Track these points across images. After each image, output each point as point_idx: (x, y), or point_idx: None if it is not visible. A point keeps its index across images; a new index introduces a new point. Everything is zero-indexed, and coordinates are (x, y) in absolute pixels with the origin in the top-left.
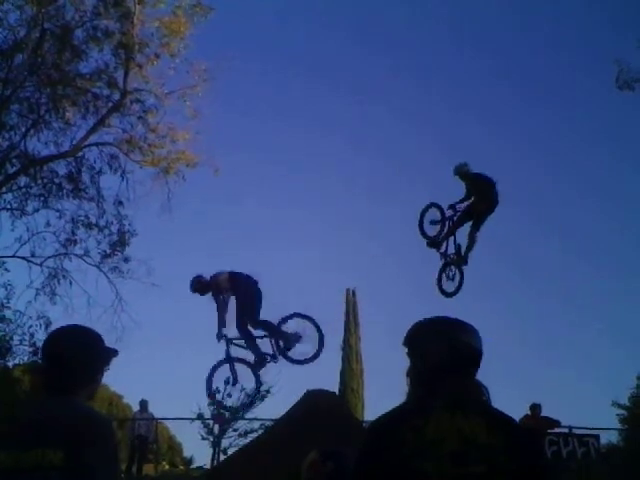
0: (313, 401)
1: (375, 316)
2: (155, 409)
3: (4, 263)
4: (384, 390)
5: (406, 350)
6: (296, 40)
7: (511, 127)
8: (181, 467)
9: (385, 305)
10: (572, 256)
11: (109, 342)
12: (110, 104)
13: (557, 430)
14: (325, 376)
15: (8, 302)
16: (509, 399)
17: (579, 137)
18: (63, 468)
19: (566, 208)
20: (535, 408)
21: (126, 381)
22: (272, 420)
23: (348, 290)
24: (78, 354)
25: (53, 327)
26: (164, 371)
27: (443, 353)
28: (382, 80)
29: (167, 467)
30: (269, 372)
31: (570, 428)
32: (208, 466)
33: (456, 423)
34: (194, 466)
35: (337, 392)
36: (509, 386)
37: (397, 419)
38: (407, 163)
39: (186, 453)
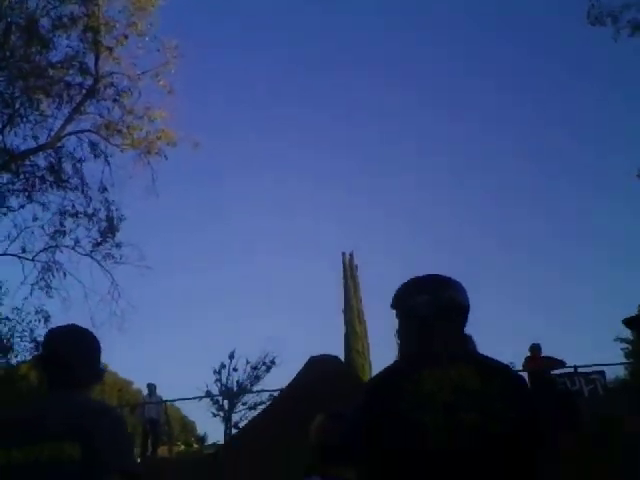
0: (317, 367)
1: (374, 277)
2: (165, 391)
3: None
4: (390, 349)
5: (394, 311)
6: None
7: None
8: (195, 446)
9: (383, 266)
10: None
11: (110, 330)
12: (84, 91)
13: (562, 370)
14: (329, 341)
15: (1, 300)
16: (507, 347)
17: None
18: (81, 461)
19: None
20: (535, 349)
21: (134, 367)
22: (280, 390)
23: (344, 254)
24: (76, 351)
25: (52, 321)
26: (169, 353)
27: (428, 308)
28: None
29: (182, 447)
30: (272, 342)
31: (575, 367)
32: (222, 442)
33: (448, 374)
34: (208, 443)
35: (342, 355)
36: (505, 334)
37: (392, 376)
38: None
39: (199, 431)
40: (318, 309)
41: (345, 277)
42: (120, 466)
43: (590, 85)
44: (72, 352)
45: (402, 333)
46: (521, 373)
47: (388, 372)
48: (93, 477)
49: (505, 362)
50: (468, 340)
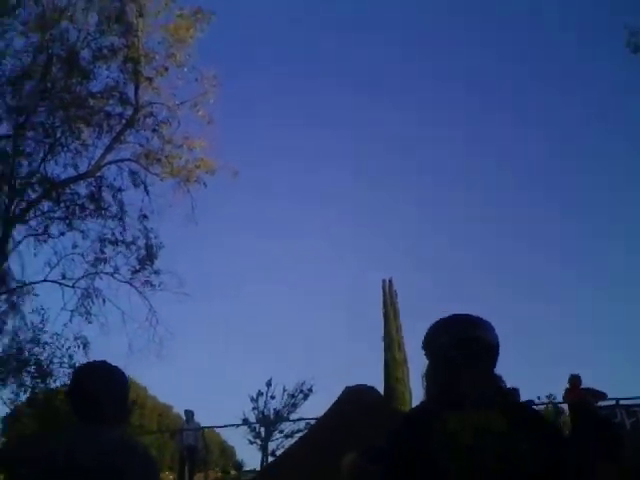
0: (353, 397)
1: (413, 305)
2: (203, 417)
3: (33, 289)
4: None
5: (423, 352)
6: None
7: None
8: (233, 472)
9: (422, 293)
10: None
11: (148, 356)
12: (124, 121)
13: (603, 403)
14: (368, 369)
15: (43, 326)
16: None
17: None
18: None
19: None
20: (574, 379)
21: (173, 391)
22: (317, 419)
23: (384, 281)
24: (104, 388)
25: (91, 347)
26: (207, 379)
27: (455, 350)
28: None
29: (219, 474)
30: (310, 370)
31: (617, 400)
32: (259, 469)
33: (473, 418)
34: (246, 469)
35: (382, 383)
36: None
37: (421, 416)
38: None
39: (239, 456)
40: (358, 336)
41: (385, 304)
42: None
43: None
44: (100, 388)
45: (429, 374)
46: (561, 405)
47: (417, 412)
48: None
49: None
50: (498, 380)
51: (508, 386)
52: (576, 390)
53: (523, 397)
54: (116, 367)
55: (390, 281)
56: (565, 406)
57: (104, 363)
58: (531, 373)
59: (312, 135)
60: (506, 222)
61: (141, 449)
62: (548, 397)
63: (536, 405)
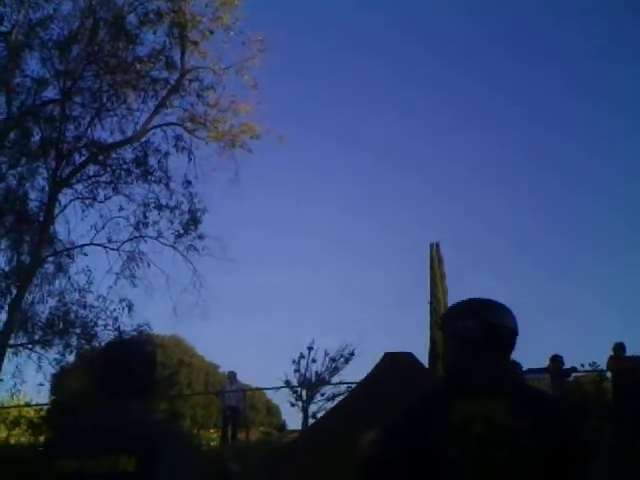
0: (391, 363)
1: (460, 269)
2: (248, 377)
3: (82, 250)
4: None
5: (442, 335)
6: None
7: None
8: (275, 432)
9: (470, 258)
10: None
11: (193, 319)
12: (169, 85)
13: None
14: (414, 332)
15: (89, 288)
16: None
17: None
18: (135, 474)
19: None
20: (619, 348)
21: (219, 352)
22: (357, 383)
23: (432, 245)
24: (135, 361)
25: (135, 309)
26: (251, 340)
27: (474, 334)
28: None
29: (261, 433)
30: (353, 332)
31: None
32: (299, 430)
33: (483, 406)
34: (289, 429)
35: (427, 347)
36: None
37: (426, 404)
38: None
39: (284, 416)
40: (403, 301)
41: (432, 268)
42: None
43: None
44: (131, 361)
45: (447, 357)
46: (604, 372)
47: (425, 399)
48: None
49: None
50: (515, 367)
51: (511, 360)
52: (621, 359)
53: (567, 364)
54: (145, 342)
55: (437, 245)
56: (608, 374)
57: (133, 338)
58: (576, 341)
59: (359, 105)
60: (569, 185)
61: (169, 426)
62: (591, 365)
63: (579, 372)
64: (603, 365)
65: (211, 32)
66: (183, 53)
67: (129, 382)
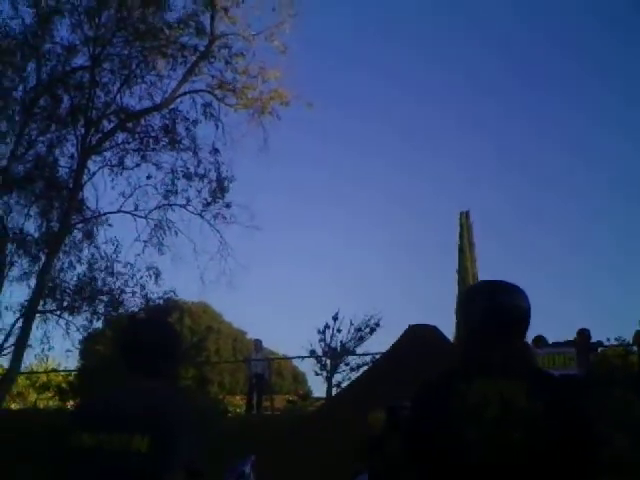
0: (415, 336)
1: (490, 239)
2: (274, 344)
3: (107, 220)
4: None
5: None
6: None
7: None
8: (298, 401)
9: (497, 228)
10: None
11: (220, 287)
12: (198, 52)
13: None
14: (441, 301)
15: (117, 256)
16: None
17: None
18: (148, 454)
19: None
20: None
21: (247, 319)
22: (382, 354)
23: (462, 213)
24: (158, 340)
25: (163, 276)
26: (278, 308)
27: (486, 315)
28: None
29: (286, 401)
30: (378, 304)
31: None
32: (324, 400)
33: (498, 387)
34: (314, 396)
35: (454, 317)
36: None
37: (442, 384)
38: None
39: (310, 383)
40: (431, 270)
41: (461, 236)
42: (186, 464)
43: None
44: (154, 340)
45: (461, 338)
46: (633, 348)
47: (440, 378)
48: (158, 470)
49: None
50: (527, 349)
51: (536, 335)
52: None
53: (593, 338)
54: (168, 322)
55: (467, 214)
56: (634, 348)
57: (157, 317)
58: (601, 316)
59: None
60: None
61: (185, 408)
62: (617, 339)
63: (604, 346)
64: (629, 339)
65: None
66: (213, 19)
67: (150, 363)
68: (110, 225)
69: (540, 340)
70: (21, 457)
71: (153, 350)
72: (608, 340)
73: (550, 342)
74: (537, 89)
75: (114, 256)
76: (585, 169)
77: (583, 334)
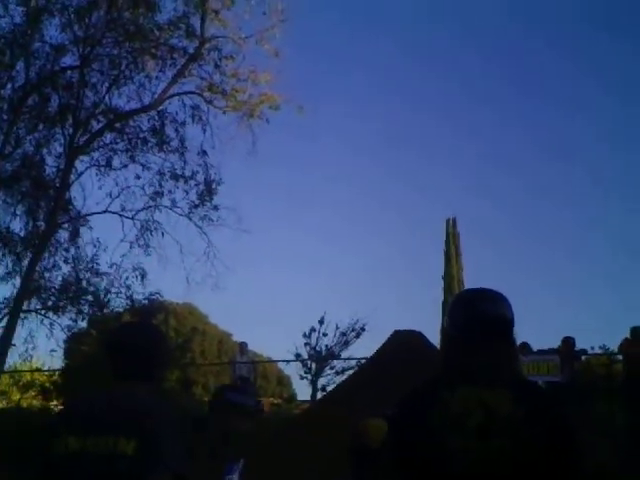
0: (400, 342)
1: (476, 246)
2: (259, 347)
3: (88, 221)
4: None
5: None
6: None
7: None
8: (282, 404)
9: (486, 235)
10: None
11: (205, 288)
12: (188, 54)
13: None
14: (425, 308)
15: (98, 258)
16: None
17: None
18: (134, 457)
19: None
20: (637, 332)
21: (232, 321)
22: (366, 359)
23: (448, 220)
24: (144, 344)
25: (149, 277)
26: (263, 311)
27: (468, 323)
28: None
29: (271, 404)
30: (364, 308)
31: None
32: (308, 403)
33: (481, 396)
34: (299, 399)
35: (440, 323)
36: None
37: (426, 392)
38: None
39: (294, 386)
40: (416, 277)
41: (447, 243)
42: (172, 467)
43: None
44: (140, 344)
45: (444, 347)
46: (617, 357)
47: (424, 386)
48: (143, 474)
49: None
50: (511, 357)
51: (520, 342)
52: (635, 342)
53: (578, 346)
54: (155, 326)
55: (454, 220)
56: (619, 357)
57: (143, 322)
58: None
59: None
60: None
61: (169, 411)
62: (601, 347)
63: (588, 355)
64: (613, 348)
65: (232, 1)
66: (203, 21)
67: (135, 366)
68: (90, 228)
69: (524, 347)
70: (3, 457)
71: (139, 353)
72: (592, 349)
73: (535, 350)
74: (531, 96)
75: (95, 258)
76: (579, 176)
77: (568, 342)
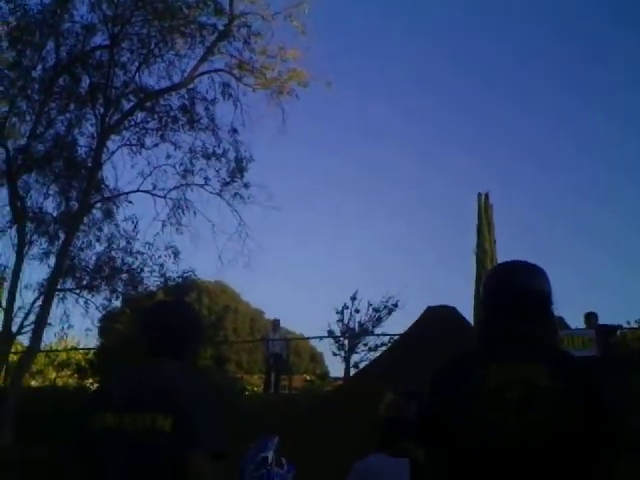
0: (433, 318)
1: (510, 220)
2: (293, 324)
3: (127, 197)
4: None
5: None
6: None
7: None
8: (316, 381)
9: (520, 209)
10: None
11: (238, 267)
12: (217, 32)
13: None
14: (458, 282)
15: (136, 234)
16: None
17: None
18: (170, 434)
19: None
20: None
21: (265, 299)
22: (400, 335)
23: (480, 194)
24: (178, 322)
25: (181, 256)
26: (296, 288)
27: (506, 297)
28: None
29: (304, 381)
30: (396, 285)
31: None
32: (341, 380)
33: (519, 369)
34: (332, 376)
35: (473, 297)
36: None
37: (460, 366)
38: None
39: (327, 363)
40: (449, 252)
41: (479, 217)
42: (210, 444)
43: None
44: (175, 322)
45: (480, 320)
46: None
47: (457, 361)
48: (182, 450)
49: None
50: (550, 330)
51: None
52: None
53: (615, 320)
54: (189, 304)
55: (487, 195)
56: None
57: (177, 300)
58: (625, 297)
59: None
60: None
61: (206, 388)
62: (637, 321)
63: (624, 329)
64: None
65: None
66: None
67: (168, 344)
68: (130, 202)
69: (560, 322)
70: (40, 436)
71: (172, 331)
72: (628, 323)
73: (572, 327)
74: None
75: (133, 234)
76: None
77: (591, 317)
